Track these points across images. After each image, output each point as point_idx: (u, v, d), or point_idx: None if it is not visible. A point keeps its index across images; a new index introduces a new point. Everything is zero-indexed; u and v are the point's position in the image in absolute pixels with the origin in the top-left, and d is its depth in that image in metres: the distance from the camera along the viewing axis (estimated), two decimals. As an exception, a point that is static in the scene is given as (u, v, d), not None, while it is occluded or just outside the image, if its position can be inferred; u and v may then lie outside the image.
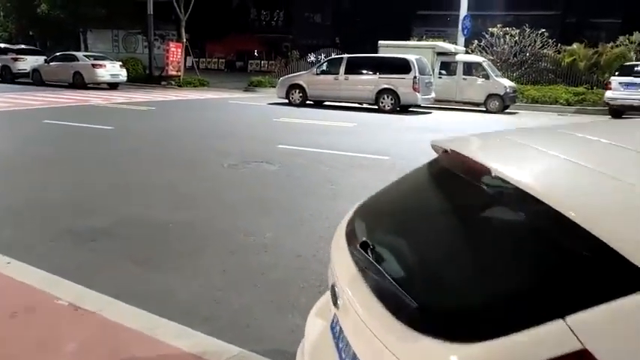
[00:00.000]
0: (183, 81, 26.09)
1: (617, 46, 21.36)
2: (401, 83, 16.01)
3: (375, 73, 16.43)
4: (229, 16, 54.93)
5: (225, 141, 9.82)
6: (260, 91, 24.11)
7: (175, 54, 26.10)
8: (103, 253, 4.31)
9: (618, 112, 17.10)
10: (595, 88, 19.96)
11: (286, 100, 17.77)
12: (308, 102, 17.58)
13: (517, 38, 22.20)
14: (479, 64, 17.90)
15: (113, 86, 23.03)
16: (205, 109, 15.94)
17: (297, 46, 44.44)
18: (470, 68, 18.03)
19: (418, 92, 15.95)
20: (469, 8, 21.69)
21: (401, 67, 16.10)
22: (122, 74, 23.25)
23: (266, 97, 20.78)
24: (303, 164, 7.93)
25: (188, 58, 51.39)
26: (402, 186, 1.95)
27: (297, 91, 17.48)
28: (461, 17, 20.13)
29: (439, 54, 18.19)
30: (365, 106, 17.10)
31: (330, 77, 17.06)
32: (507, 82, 17.72)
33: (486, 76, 17.53)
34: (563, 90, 19.17)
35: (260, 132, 11.33)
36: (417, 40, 23.92)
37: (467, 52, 20.29)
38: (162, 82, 25.85)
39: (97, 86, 22.82)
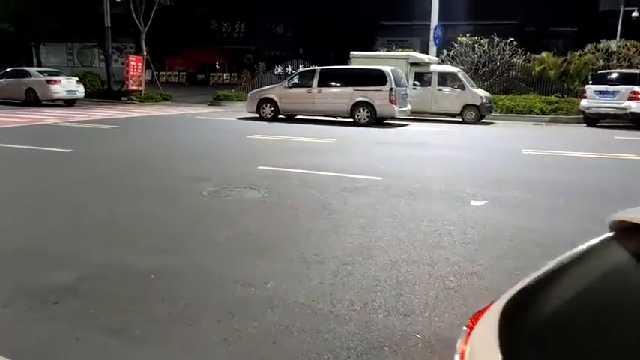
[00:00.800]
0: (145, 96, 24.97)
1: (584, 54, 21.45)
2: (377, 95, 15.45)
3: (349, 86, 15.82)
4: (189, 27, 53.78)
5: (199, 163, 8.96)
6: (226, 105, 23.22)
7: (136, 68, 24.96)
8: (68, 321, 3.43)
9: (593, 120, 17.00)
10: (566, 96, 19.94)
11: (257, 115, 16.97)
12: (280, 116, 16.83)
13: (485, 47, 22.06)
14: (454, 75, 17.54)
15: (70, 103, 21.73)
16: (172, 127, 14.98)
17: (259, 58, 43.71)
18: (444, 79, 17.65)
19: (395, 104, 15.42)
20: (427, 18, 21.43)
21: (376, 78, 15.56)
22: (79, 90, 21.96)
23: (234, 112, 19.93)
24: (290, 189, 7.16)
25: (148, 71, 50.05)
26: (576, 284, 1.22)
27: (269, 105, 16.71)
28: (432, 26, 19.81)
29: (413, 64, 17.75)
30: (339, 119, 16.48)
31: (303, 90, 16.37)
32: (483, 93, 17.41)
33: (462, 87, 17.18)
34: (537, 99, 19.03)
35: (235, 152, 10.50)
36: (387, 50, 23.54)
37: (441, 62, 19.98)
38: (123, 98, 24.64)
39: (53, 103, 21.47)
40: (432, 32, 19.73)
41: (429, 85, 17.66)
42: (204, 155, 9.85)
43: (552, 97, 19.23)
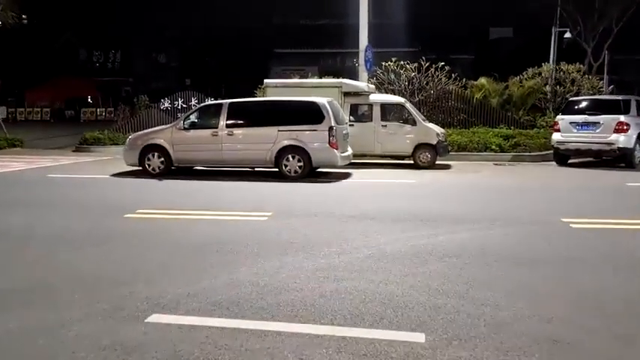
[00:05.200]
0: (-20, 143, 18.65)
1: (525, 79, 18.87)
2: (312, 137, 11.17)
3: (272, 125, 11.39)
4: (52, 57, 46.34)
5: (31, 298, 4.00)
6: (97, 151, 17.71)
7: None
8: None
9: (564, 157, 14.02)
10: (513, 127, 17.05)
11: (140, 168, 11.94)
12: (173, 168, 11.95)
13: (414, 73, 18.77)
14: (400, 106, 13.76)
15: None
16: (2, 202, 9.54)
17: (139, 90, 37.99)
18: (388, 112, 13.83)
19: (336, 149, 11.22)
20: (323, 45, 17.79)
21: (309, 114, 11.30)
22: None
23: (107, 162, 14.63)
24: None
25: (0, 109, 42.03)
26: None
27: (157, 154, 11.76)
28: (362, 48, 15.97)
29: (346, 94, 13.70)
30: (259, 169, 11.96)
31: (206, 133, 11.67)
32: (438, 129, 13.77)
33: (412, 122, 13.41)
34: (489, 133, 15.85)
35: (100, 258, 5.56)
36: (299, 77, 19.45)
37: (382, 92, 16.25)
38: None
39: None
40: (361, 54, 15.91)
41: (370, 120, 13.70)
42: (44, 274, 4.86)
43: (506, 131, 16.17)
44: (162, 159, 11.77)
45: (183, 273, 5.05)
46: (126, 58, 51.44)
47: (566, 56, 21.20)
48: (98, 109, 42.40)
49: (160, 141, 11.81)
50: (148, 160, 11.82)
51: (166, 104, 19.93)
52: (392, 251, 5.74)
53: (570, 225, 6.98)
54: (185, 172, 12.13)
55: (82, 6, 47.41)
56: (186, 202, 8.81)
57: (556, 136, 13.70)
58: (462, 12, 46.47)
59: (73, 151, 18.42)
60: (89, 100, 46.32)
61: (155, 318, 3.99)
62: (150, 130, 13.02)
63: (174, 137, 11.76)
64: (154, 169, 11.79)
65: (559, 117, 13.93)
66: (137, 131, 14.29)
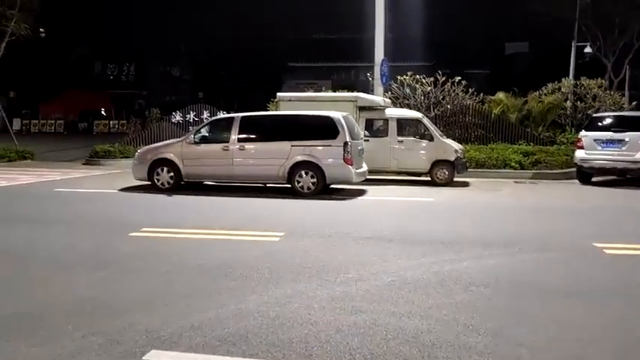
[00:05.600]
0: (-7, 154, 18.55)
1: (544, 94, 18.39)
2: (326, 153, 10.80)
3: (285, 140, 11.04)
4: (67, 69, 46.64)
5: (20, 328, 3.64)
6: (108, 164, 17.50)
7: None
8: None
9: (588, 175, 13.50)
10: (532, 143, 16.57)
11: (149, 182, 11.64)
12: (182, 183, 11.63)
13: (430, 88, 18.38)
14: (417, 122, 13.35)
15: None
16: (7, 217, 9.25)
17: (152, 103, 38.14)
18: (405, 127, 13.43)
19: (351, 165, 10.82)
20: (335, 59, 17.47)
21: (324, 129, 10.94)
22: None
23: (117, 176, 14.37)
24: None
25: (16, 120, 42.26)
26: None
27: (166, 169, 11.45)
28: (377, 62, 15.63)
29: (362, 109, 13.34)
30: (271, 185, 11.58)
31: (217, 147, 11.35)
32: (456, 145, 13.33)
33: (429, 137, 12.99)
34: (509, 149, 15.37)
35: (100, 282, 5.18)
36: (313, 91, 19.17)
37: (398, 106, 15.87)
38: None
39: None
40: (377, 68, 15.56)
41: (385, 135, 13.30)
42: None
43: (526, 147, 15.70)
44: (172, 174, 11.45)
45: (187, 300, 4.65)
46: (140, 71, 51.65)
47: (586, 71, 20.75)
48: (111, 122, 42.50)
49: (170, 155, 11.50)
50: (157, 174, 11.51)
51: (178, 117, 19.70)
52: (413, 278, 5.30)
53: (604, 250, 6.49)
54: (195, 187, 11.81)
55: (97, 19, 47.82)
56: (194, 220, 8.46)
57: (579, 154, 13.20)
58: (477, 27, 46.25)
59: (84, 164, 18.24)
60: (103, 112, 46.49)
61: (153, 355, 3.60)
62: (159, 143, 12.72)
63: (184, 151, 11.45)
64: (162, 184, 11.47)
65: (582, 134, 13.43)
66: (148, 144, 14.03)
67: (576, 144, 13.59)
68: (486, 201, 11.03)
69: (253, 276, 5.37)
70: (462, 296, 4.78)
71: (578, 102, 18.32)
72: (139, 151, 12.39)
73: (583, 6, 23.80)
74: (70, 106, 44.33)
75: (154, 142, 14.46)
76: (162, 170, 11.50)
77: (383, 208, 10.13)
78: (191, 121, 19.49)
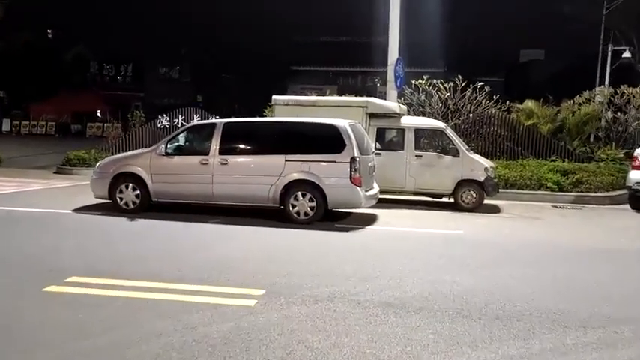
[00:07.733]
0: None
1: (579, 104, 16.13)
2: (329, 170, 8.60)
3: (277, 153, 8.83)
4: (61, 69, 44.56)
5: None
6: (81, 173, 15.29)
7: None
8: None
9: (642, 201, 11.24)
10: (567, 160, 14.33)
11: (110, 201, 9.44)
12: (152, 203, 9.41)
13: (448, 94, 16.14)
14: (439, 133, 11.13)
15: None
16: None
17: (150, 106, 36.13)
18: (424, 139, 11.21)
19: (360, 186, 8.60)
20: (341, 63, 15.26)
21: (327, 140, 8.74)
22: None
23: (83, 189, 12.09)
24: None
25: (5, 121, 40.24)
26: None
27: (132, 186, 9.25)
28: (391, 62, 13.35)
29: (372, 116, 11.10)
30: (258, 205, 9.34)
31: (194, 161, 9.15)
32: (487, 162, 11.08)
33: (454, 152, 10.75)
34: (543, 167, 13.12)
35: None
36: (316, 95, 16.92)
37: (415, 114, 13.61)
38: None
39: None
40: (390, 69, 13.29)
41: (401, 148, 11.06)
42: None
43: (564, 165, 13.44)
44: (138, 192, 9.24)
45: None
46: (137, 72, 49.58)
47: (617, 79, 18.56)
48: (105, 125, 40.41)
49: (136, 169, 9.29)
50: (121, 192, 9.30)
51: (164, 122, 17.53)
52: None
53: None
54: (168, 208, 9.56)
55: (94, 19, 45.92)
56: (148, 262, 6.25)
57: (635, 175, 10.94)
58: (492, 33, 44.16)
59: (55, 172, 16.07)
60: (98, 114, 44.46)
61: None
62: (126, 154, 10.56)
63: (153, 164, 9.24)
64: (127, 204, 9.27)
65: (638, 151, 11.18)
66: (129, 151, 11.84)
67: (632, 163, 11.31)
68: (533, 236, 8.71)
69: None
70: None
71: (618, 112, 16.06)
72: (100, 162, 10.17)
73: (613, 10, 21.67)
74: (64, 108, 42.35)
75: (136, 149, 12.27)
76: (127, 187, 9.29)
77: (401, 244, 7.87)
78: (179, 126, 17.29)
